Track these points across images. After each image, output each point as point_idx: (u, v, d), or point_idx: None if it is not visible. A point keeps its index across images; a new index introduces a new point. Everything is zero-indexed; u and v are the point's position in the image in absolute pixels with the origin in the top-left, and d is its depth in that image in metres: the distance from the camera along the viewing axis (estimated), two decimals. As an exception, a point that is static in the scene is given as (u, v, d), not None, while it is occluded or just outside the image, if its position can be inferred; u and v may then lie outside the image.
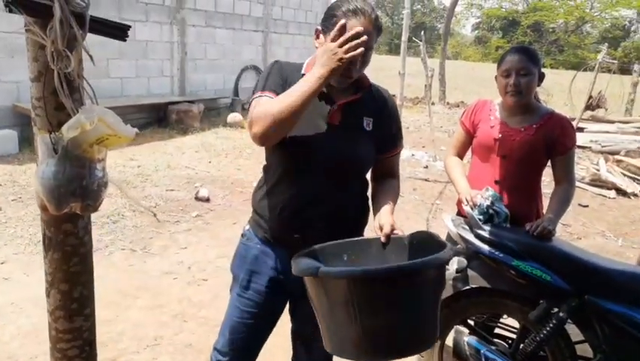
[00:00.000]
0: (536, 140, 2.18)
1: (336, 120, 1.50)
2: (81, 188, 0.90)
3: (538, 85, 2.22)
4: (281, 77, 1.51)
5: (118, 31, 0.98)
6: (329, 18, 1.45)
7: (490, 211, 2.07)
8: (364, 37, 1.30)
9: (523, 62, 2.12)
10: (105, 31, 0.97)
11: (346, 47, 1.28)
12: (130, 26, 0.98)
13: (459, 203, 2.37)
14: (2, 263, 3.39)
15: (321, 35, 1.47)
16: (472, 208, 2.11)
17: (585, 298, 1.94)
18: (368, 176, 1.71)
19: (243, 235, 1.71)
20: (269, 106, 1.38)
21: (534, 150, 2.20)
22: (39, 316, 2.50)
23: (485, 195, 2.09)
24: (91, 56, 0.93)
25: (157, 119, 8.21)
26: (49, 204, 0.89)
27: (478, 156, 2.37)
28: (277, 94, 1.43)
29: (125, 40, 0.98)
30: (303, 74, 1.49)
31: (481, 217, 2.08)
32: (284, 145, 1.46)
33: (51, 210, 0.91)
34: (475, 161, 2.40)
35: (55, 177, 0.87)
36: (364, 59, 1.43)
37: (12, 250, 3.58)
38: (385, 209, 1.54)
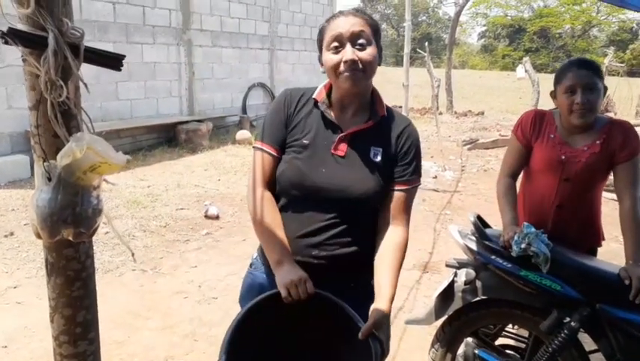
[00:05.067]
0: (601, 158, 2.02)
1: (341, 151, 1.46)
2: (73, 215, 0.92)
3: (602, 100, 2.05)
4: (285, 115, 1.50)
5: (113, 61, 1.00)
6: (319, 37, 1.49)
7: (530, 253, 1.90)
8: (310, 290, 1.32)
9: (590, 76, 1.95)
10: (100, 61, 1.00)
11: (292, 290, 1.31)
12: (124, 56, 1.00)
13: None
14: (15, 287, 3.42)
15: (321, 59, 1.48)
16: (505, 248, 1.99)
17: (597, 307, 1.91)
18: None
19: (251, 265, 1.65)
20: (252, 207, 1.47)
21: (598, 169, 2.05)
22: (51, 340, 2.52)
23: (522, 235, 1.93)
24: (86, 85, 0.96)
25: (166, 139, 8.31)
26: (42, 231, 0.91)
27: (535, 176, 2.19)
28: (275, 148, 1.49)
29: (119, 70, 1.01)
30: (315, 100, 1.50)
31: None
32: (286, 176, 1.46)
33: (44, 238, 0.92)
34: (531, 181, 2.22)
35: (49, 205, 0.89)
36: (363, 65, 1.39)
37: (24, 273, 3.62)
38: (381, 294, 1.38)
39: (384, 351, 1.31)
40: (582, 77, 1.96)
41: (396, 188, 1.49)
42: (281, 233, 1.44)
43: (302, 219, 1.46)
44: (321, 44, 1.46)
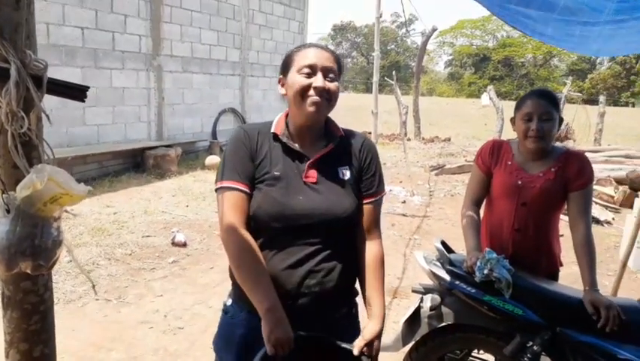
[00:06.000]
0: (555, 184, 2.12)
1: (312, 178, 1.48)
2: (32, 247, 0.90)
3: (557, 130, 2.15)
4: (249, 150, 1.47)
5: (76, 92, 1.01)
6: (285, 61, 1.51)
7: (492, 278, 1.96)
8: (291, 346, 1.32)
9: (546, 106, 2.07)
10: (63, 92, 1.00)
11: (278, 350, 1.31)
12: (88, 87, 1.00)
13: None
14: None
15: (283, 82, 1.50)
16: (469, 274, 2.04)
17: (558, 331, 1.96)
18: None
19: (225, 312, 1.56)
20: (234, 253, 1.40)
21: (554, 195, 2.14)
22: (6, 375, 2.41)
23: (484, 261, 1.99)
24: (47, 116, 0.96)
25: (134, 164, 8.19)
26: (-1, 264, 0.89)
27: (495, 201, 2.27)
28: (247, 184, 1.43)
29: (83, 101, 1.01)
30: (274, 133, 1.50)
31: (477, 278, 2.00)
32: (264, 210, 1.43)
33: (0, 271, 0.90)
34: (492, 206, 2.31)
35: (7, 237, 0.87)
36: (329, 95, 1.45)
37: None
38: (374, 314, 1.50)
39: None
40: (539, 107, 2.07)
41: (366, 201, 1.55)
42: (267, 278, 1.39)
43: (287, 250, 1.44)
44: (287, 68, 1.48)
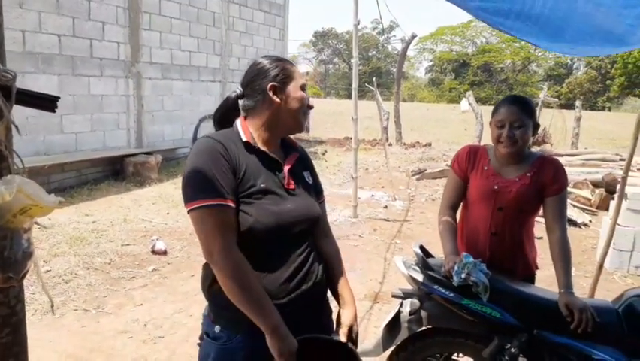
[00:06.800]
0: (531, 189, 2.16)
1: (292, 185, 1.52)
2: (1, 260, 0.89)
3: (533, 135, 2.19)
4: (230, 163, 1.40)
5: (47, 102, 1.00)
6: (282, 73, 1.51)
7: (470, 282, 1.98)
8: None
9: (517, 113, 2.11)
10: (33, 102, 0.99)
11: None
12: (59, 97, 0.99)
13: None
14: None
15: (278, 91, 1.49)
16: (447, 278, 2.06)
17: (535, 333, 1.99)
18: None
19: (215, 339, 1.45)
20: (234, 274, 1.34)
21: (529, 200, 2.18)
22: (-20, 389, 2.36)
23: (461, 265, 2.00)
24: (16, 127, 0.95)
25: (113, 172, 8.09)
26: (-34, 278, 0.88)
27: (472, 206, 2.30)
28: (233, 200, 1.37)
29: (54, 112, 1.00)
30: (246, 142, 1.46)
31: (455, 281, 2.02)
32: (262, 223, 1.40)
33: (-33, 286, 0.89)
34: (468, 211, 2.33)
35: (-26, 251, 0.86)
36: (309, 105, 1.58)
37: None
38: (348, 300, 1.61)
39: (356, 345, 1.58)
40: (510, 114, 2.12)
41: (320, 200, 1.67)
42: (266, 295, 1.37)
43: (285, 262, 1.45)
44: (284, 80, 1.50)
